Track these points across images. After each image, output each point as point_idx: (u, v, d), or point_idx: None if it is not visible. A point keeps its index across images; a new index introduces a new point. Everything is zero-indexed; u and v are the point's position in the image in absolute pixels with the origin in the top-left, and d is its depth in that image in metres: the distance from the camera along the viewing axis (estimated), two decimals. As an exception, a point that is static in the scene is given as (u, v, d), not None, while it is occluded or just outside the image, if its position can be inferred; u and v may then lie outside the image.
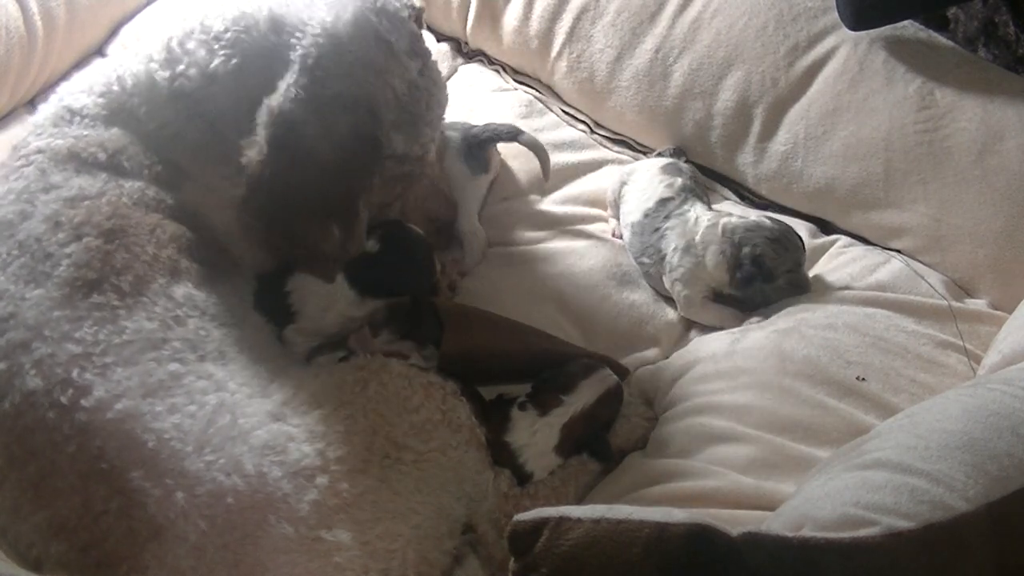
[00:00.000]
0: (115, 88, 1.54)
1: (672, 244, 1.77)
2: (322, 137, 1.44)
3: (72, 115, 1.52)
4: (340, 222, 1.50)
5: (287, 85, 1.44)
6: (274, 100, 1.43)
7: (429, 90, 1.57)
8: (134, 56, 1.57)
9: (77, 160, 1.45)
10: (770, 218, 1.77)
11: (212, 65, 1.51)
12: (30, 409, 1.26)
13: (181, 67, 1.52)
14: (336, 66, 1.46)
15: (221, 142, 1.52)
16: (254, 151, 1.44)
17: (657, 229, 1.80)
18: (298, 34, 1.47)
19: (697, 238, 1.75)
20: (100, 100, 1.53)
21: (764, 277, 1.71)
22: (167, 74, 1.52)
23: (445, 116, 1.69)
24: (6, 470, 1.26)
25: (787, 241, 1.72)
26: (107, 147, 1.48)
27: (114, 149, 1.48)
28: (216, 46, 1.51)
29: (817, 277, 1.83)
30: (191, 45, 1.53)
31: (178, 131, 1.52)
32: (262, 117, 1.44)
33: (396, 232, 1.66)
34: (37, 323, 1.30)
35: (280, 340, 1.57)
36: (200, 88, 1.52)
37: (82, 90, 1.55)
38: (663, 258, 1.78)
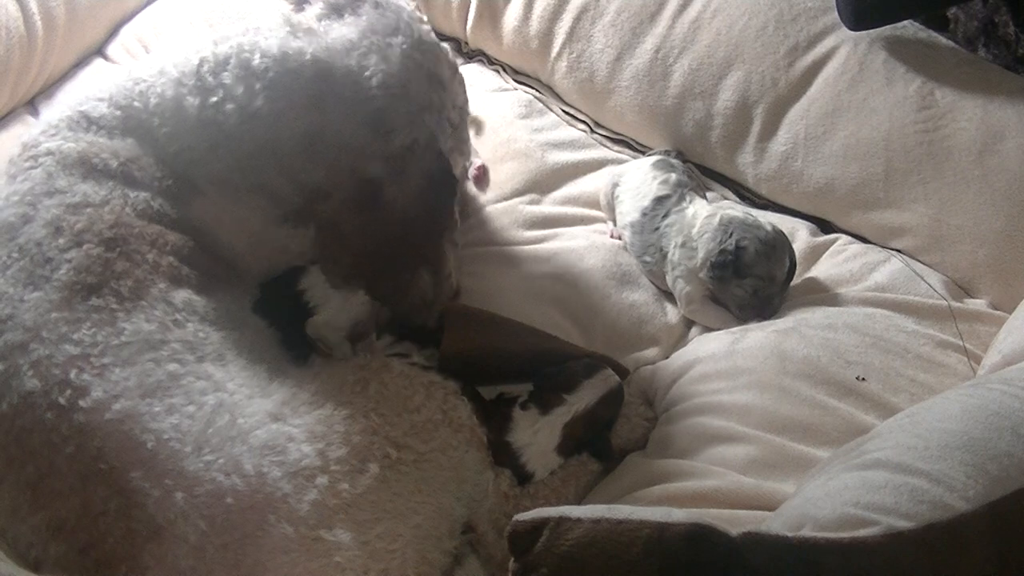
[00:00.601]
0: (136, 104, 1.52)
1: (673, 241, 1.77)
2: (400, 191, 1.45)
3: (89, 122, 1.50)
4: (429, 267, 1.51)
5: (359, 146, 1.44)
6: (348, 162, 1.43)
7: (467, 100, 1.58)
8: (159, 74, 1.54)
9: (87, 166, 1.45)
10: (774, 226, 1.74)
11: (254, 105, 1.48)
12: (28, 410, 1.26)
13: (215, 99, 1.49)
14: (400, 118, 1.47)
15: (250, 174, 1.51)
16: (332, 203, 1.43)
17: (657, 228, 1.80)
18: (352, 87, 1.46)
19: (694, 231, 1.75)
20: (119, 113, 1.51)
21: (736, 269, 1.69)
22: (197, 102, 1.50)
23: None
24: (4, 471, 1.26)
25: (774, 250, 1.70)
26: (120, 155, 1.47)
27: (127, 158, 1.47)
28: (257, 85, 1.49)
29: (817, 277, 1.83)
30: (227, 78, 1.50)
31: (200, 158, 1.50)
32: (332, 176, 1.44)
33: None
34: (35, 324, 1.30)
35: (286, 341, 1.57)
36: (236, 125, 1.49)
37: (101, 98, 1.53)
38: (665, 256, 1.78)
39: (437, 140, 1.49)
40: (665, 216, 1.80)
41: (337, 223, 1.45)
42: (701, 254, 1.73)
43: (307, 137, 1.48)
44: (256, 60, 1.50)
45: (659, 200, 1.82)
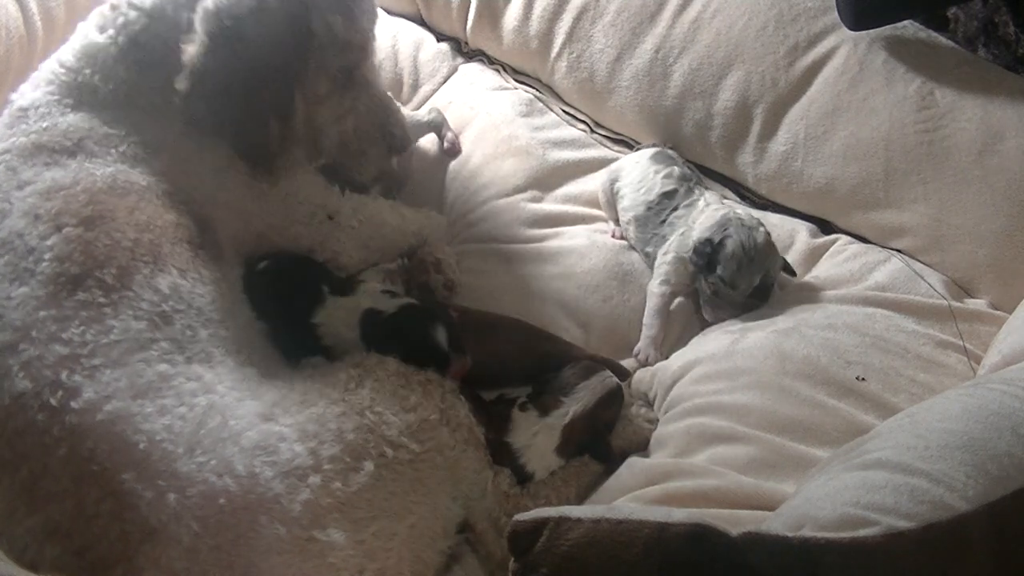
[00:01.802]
0: (59, 70, 1.57)
1: (678, 230, 1.80)
2: (258, 28, 1.49)
3: (24, 112, 1.53)
4: (277, 115, 1.54)
5: None
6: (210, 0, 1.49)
7: None
8: (76, 39, 1.61)
9: (45, 152, 1.47)
10: (768, 239, 1.73)
11: (150, 2, 1.56)
12: (20, 412, 1.25)
13: (121, 19, 1.57)
14: None
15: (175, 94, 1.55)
16: (195, 46, 1.48)
17: (664, 220, 1.82)
18: None
19: (698, 222, 1.78)
20: (49, 88, 1.55)
21: (709, 262, 1.71)
22: (112, 32, 1.57)
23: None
24: None
25: (751, 262, 1.70)
26: (71, 135, 1.49)
27: (79, 136, 1.49)
28: None
29: (817, 277, 1.83)
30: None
31: (132, 89, 1.55)
32: (199, 15, 1.49)
33: (423, 316, 1.57)
34: (24, 324, 1.30)
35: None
36: (144, 29, 1.56)
37: (29, 88, 1.58)
38: (665, 239, 1.81)
39: None
40: (675, 209, 1.83)
41: (195, 54, 1.50)
42: (693, 236, 1.76)
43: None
44: None
45: (666, 195, 1.85)
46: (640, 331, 1.78)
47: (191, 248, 1.48)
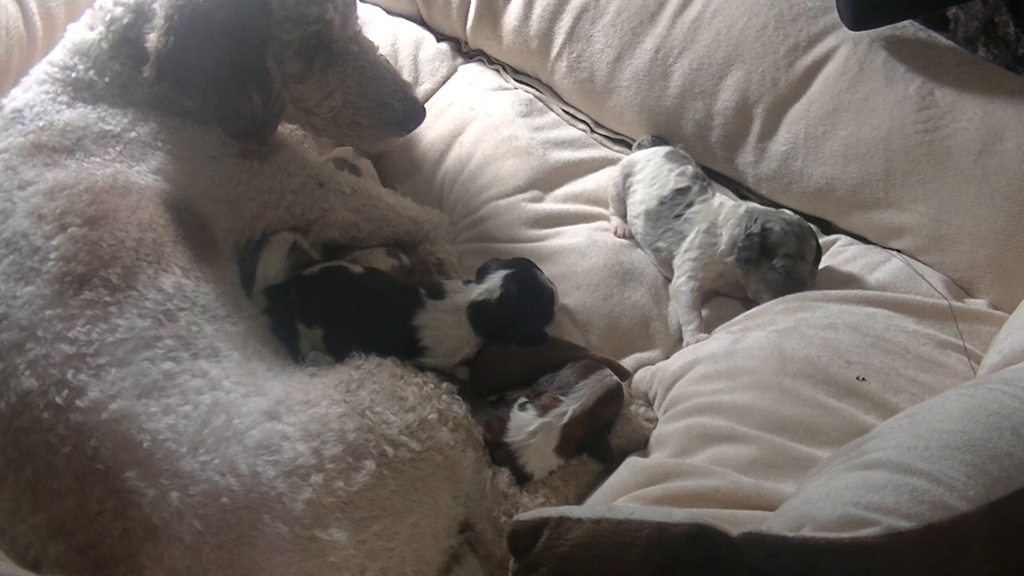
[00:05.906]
0: (52, 69, 1.58)
1: (697, 227, 1.82)
2: (215, 5, 1.50)
3: (19, 113, 1.54)
4: (255, 85, 1.55)
5: None
6: None
7: None
8: (69, 37, 1.63)
9: (44, 152, 1.47)
10: (795, 218, 1.80)
11: None
12: (25, 410, 1.26)
13: (108, 17, 1.58)
14: None
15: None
16: (156, 32, 1.50)
17: (679, 215, 1.84)
18: None
19: (720, 218, 1.80)
20: (42, 87, 1.56)
21: (764, 250, 1.73)
22: (102, 29, 1.58)
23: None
24: (3, 471, 1.25)
25: (800, 231, 1.76)
26: (69, 134, 1.50)
27: (77, 136, 1.50)
28: None
29: (817, 277, 1.83)
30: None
31: (127, 81, 1.57)
32: (158, 1, 1.51)
33: (522, 277, 1.68)
34: (30, 323, 1.30)
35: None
36: (131, 25, 1.57)
37: (19, 91, 1.59)
38: (683, 239, 1.82)
39: None
40: (689, 205, 1.85)
41: (154, 39, 1.51)
42: (725, 238, 1.78)
43: None
44: None
45: (680, 191, 1.87)
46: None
47: (192, 247, 1.48)
